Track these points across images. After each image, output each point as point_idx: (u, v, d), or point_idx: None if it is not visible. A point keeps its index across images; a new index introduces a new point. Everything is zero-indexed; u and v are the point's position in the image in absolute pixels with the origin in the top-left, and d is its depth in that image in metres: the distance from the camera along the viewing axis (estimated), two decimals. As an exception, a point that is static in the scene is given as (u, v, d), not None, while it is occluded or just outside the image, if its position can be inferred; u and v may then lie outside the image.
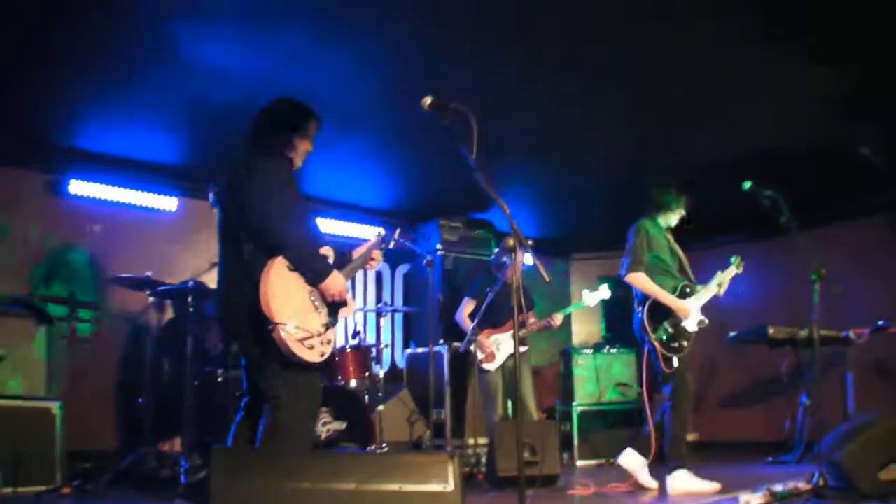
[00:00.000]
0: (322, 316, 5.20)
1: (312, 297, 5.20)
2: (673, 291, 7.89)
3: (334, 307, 5.31)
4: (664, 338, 7.70)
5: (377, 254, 5.86)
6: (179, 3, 6.99)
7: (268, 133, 5.58)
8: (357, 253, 5.82)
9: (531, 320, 9.71)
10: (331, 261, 5.38)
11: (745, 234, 13.00)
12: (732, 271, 8.20)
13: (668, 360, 7.67)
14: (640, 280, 7.88)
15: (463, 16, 7.33)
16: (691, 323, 7.82)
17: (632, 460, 7.95)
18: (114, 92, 8.54)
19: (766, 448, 11.14)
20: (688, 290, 7.94)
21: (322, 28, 7.54)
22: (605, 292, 9.60)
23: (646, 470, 7.90)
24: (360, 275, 7.81)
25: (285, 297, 5.01)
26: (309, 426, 5.26)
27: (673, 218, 8.29)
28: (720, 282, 8.11)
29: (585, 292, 9.67)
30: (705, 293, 8.02)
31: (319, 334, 5.09)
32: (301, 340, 4.95)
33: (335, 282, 5.18)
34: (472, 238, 12.31)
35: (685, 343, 7.76)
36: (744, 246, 12.44)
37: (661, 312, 7.79)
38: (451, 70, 8.19)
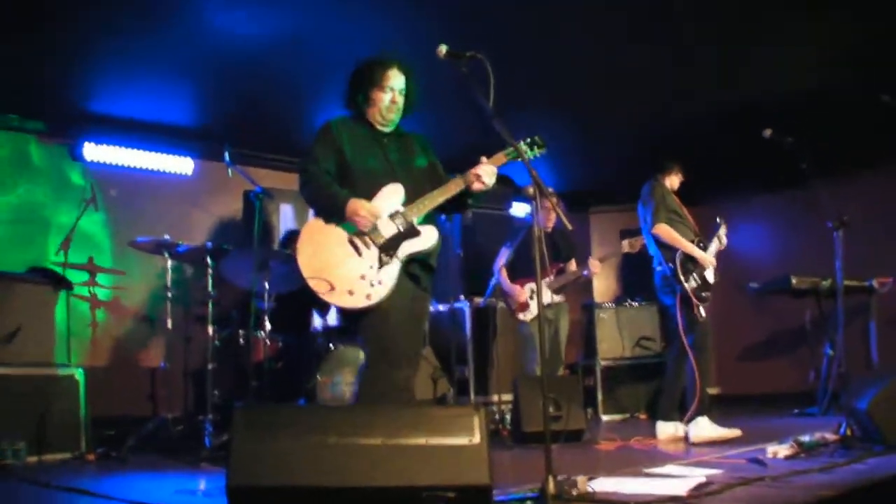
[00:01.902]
0: (368, 258, 5.24)
1: (355, 242, 5.28)
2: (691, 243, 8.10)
3: (394, 242, 5.32)
4: (695, 287, 7.90)
5: (486, 170, 5.53)
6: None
7: (345, 97, 5.71)
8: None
9: (571, 268, 9.70)
10: (398, 197, 5.42)
11: (765, 185, 12.89)
12: (723, 229, 8.39)
13: (698, 309, 7.88)
14: (666, 231, 8.06)
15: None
16: (710, 274, 8.08)
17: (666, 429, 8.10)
18: (127, 54, 8.49)
19: (790, 400, 11.10)
20: (702, 244, 8.20)
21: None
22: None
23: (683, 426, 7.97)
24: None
25: (314, 250, 5.25)
26: (389, 374, 5.27)
27: (675, 181, 8.58)
28: (718, 237, 8.34)
29: (625, 242, 9.65)
30: (713, 247, 8.24)
31: (363, 277, 5.18)
32: (331, 289, 5.11)
33: (352, 208, 5.23)
34: (491, 193, 12.22)
35: (709, 294, 8.02)
36: (764, 197, 12.37)
37: (689, 263, 7.99)
38: (470, 23, 8.11)
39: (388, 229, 5.32)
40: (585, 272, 9.56)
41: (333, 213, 5.30)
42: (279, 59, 8.77)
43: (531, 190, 5.08)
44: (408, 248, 5.36)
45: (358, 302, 5.17)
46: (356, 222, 5.23)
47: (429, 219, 5.51)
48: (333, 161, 5.46)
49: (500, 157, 5.58)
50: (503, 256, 9.87)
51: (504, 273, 9.72)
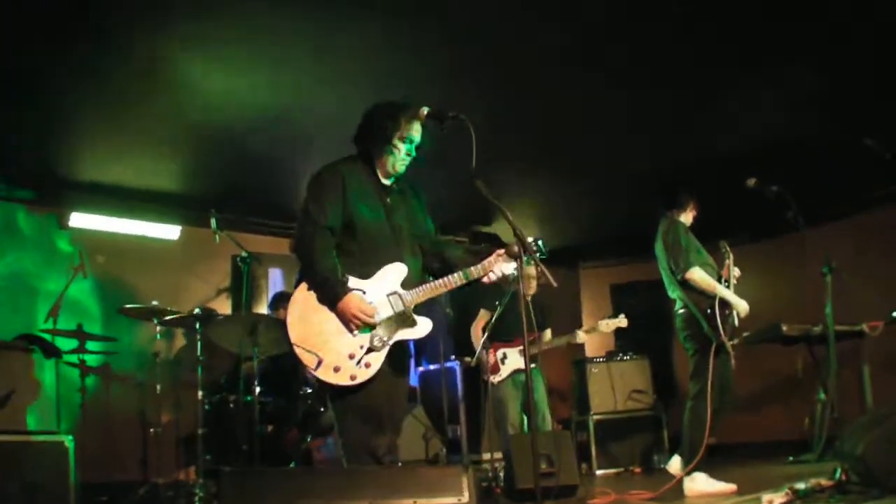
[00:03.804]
0: (360, 338, 5.04)
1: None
2: None
3: (388, 327, 5.13)
4: (731, 335, 7.56)
5: (499, 268, 5.38)
6: (171, 31, 7.00)
7: (359, 138, 5.51)
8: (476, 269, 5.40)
9: (546, 338, 9.69)
10: (399, 277, 5.23)
11: (750, 234, 12.92)
12: (731, 255, 7.95)
13: (731, 359, 7.56)
14: (699, 276, 7.64)
15: (464, 32, 7.36)
16: (737, 318, 7.69)
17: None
18: (114, 125, 8.59)
19: (785, 447, 11.01)
20: (725, 283, 7.78)
21: (316, 57, 7.55)
22: (621, 321, 9.58)
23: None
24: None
25: (306, 315, 5.03)
26: (369, 442, 5.03)
27: (690, 217, 8.23)
28: (732, 269, 7.91)
29: (602, 322, 9.65)
30: (732, 285, 7.83)
31: (352, 356, 4.98)
32: (318, 363, 4.91)
33: (346, 306, 4.98)
34: (478, 252, 12.28)
35: (736, 341, 7.72)
36: (749, 246, 12.38)
37: (723, 308, 7.58)
38: (455, 83, 8.17)
39: (384, 310, 5.14)
40: (571, 341, 9.56)
41: (325, 298, 5.06)
42: (264, 128, 8.82)
43: (515, 249, 5.03)
44: (399, 335, 5.18)
45: (341, 380, 4.96)
46: (348, 322, 5.01)
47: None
48: (340, 214, 5.20)
49: (508, 253, 5.44)
50: (479, 319, 9.86)
51: (478, 335, 9.70)
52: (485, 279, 5.42)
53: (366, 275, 5.18)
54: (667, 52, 7.98)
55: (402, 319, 5.19)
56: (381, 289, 5.18)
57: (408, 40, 7.49)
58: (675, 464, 7.83)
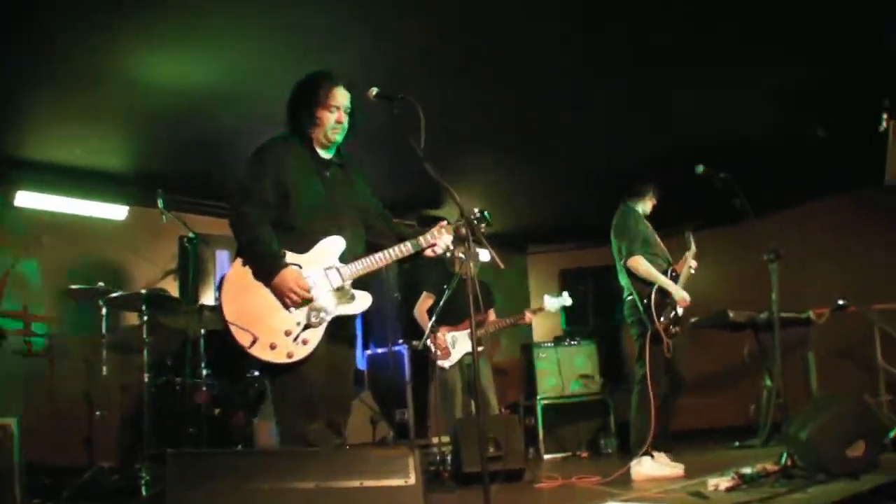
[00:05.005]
0: (297, 315, 4.96)
1: None
2: (664, 275, 7.98)
3: (325, 303, 5.05)
4: (667, 323, 7.76)
5: (444, 239, 5.37)
6: (119, 16, 6.93)
7: (287, 115, 5.45)
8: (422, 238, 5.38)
9: (491, 318, 9.69)
10: (338, 250, 5.16)
11: (700, 221, 12.97)
12: (693, 247, 8.25)
13: (667, 348, 7.78)
14: (641, 264, 7.92)
15: (428, 15, 7.38)
16: (680, 308, 7.94)
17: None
18: (58, 102, 8.44)
19: (731, 433, 11.10)
20: (674, 274, 8.05)
21: (266, 34, 7.49)
22: (565, 299, 9.69)
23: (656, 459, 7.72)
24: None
25: (241, 294, 4.93)
26: (301, 427, 4.98)
27: (648, 206, 8.45)
28: (689, 261, 8.17)
29: (547, 298, 9.75)
30: (684, 276, 8.07)
31: (288, 333, 4.90)
32: (253, 341, 4.83)
33: (281, 281, 4.91)
34: (423, 232, 12.27)
35: (678, 329, 7.92)
36: (699, 233, 12.41)
37: (664, 298, 7.85)
38: (412, 70, 8.15)
39: (321, 284, 5.07)
40: (518, 322, 9.63)
41: (261, 275, 4.98)
42: (213, 108, 8.75)
43: (462, 230, 5.02)
44: (338, 311, 5.11)
45: (278, 358, 4.89)
46: (283, 298, 4.94)
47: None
48: (274, 191, 5.11)
49: (449, 227, 5.44)
50: (423, 301, 9.85)
51: (424, 318, 9.68)
52: (428, 251, 5.39)
53: (303, 250, 5.10)
54: (631, 46, 8.02)
55: (340, 294, 5.12)
56: (319, 263, 5.11)
57: (364, 21, 7.44)
58: (638, 469, 7.92)
